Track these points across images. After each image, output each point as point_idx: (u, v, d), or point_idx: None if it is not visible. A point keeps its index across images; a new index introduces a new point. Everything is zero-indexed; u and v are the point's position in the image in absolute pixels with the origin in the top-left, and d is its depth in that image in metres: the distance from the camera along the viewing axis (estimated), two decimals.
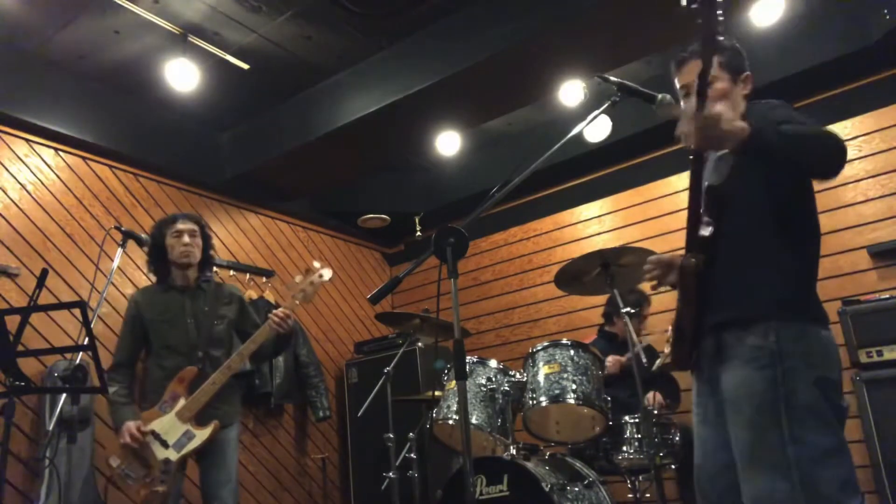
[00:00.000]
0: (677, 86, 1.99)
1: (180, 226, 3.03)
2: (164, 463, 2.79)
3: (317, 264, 3.08)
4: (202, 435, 2.83)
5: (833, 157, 1.64)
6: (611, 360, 3.49)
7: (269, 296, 4.97)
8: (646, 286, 3.64)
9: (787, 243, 1.76)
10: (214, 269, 4.72)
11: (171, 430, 2.83)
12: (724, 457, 1.78)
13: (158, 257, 3.06)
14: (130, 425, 2.80)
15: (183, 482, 2.97)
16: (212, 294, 3.09)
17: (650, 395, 3.41)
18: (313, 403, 4.98)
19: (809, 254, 1.80)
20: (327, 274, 3.04)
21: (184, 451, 2.81)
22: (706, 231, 1.74)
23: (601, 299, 4.19)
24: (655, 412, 3.21)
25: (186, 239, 3.01)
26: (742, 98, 1.95)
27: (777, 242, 1.76)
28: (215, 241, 4.86)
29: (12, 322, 2.25)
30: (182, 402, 2.86)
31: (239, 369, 2.97)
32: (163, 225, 3.07)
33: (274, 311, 2.93)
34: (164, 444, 2.82)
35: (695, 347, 1.86)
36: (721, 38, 1.73)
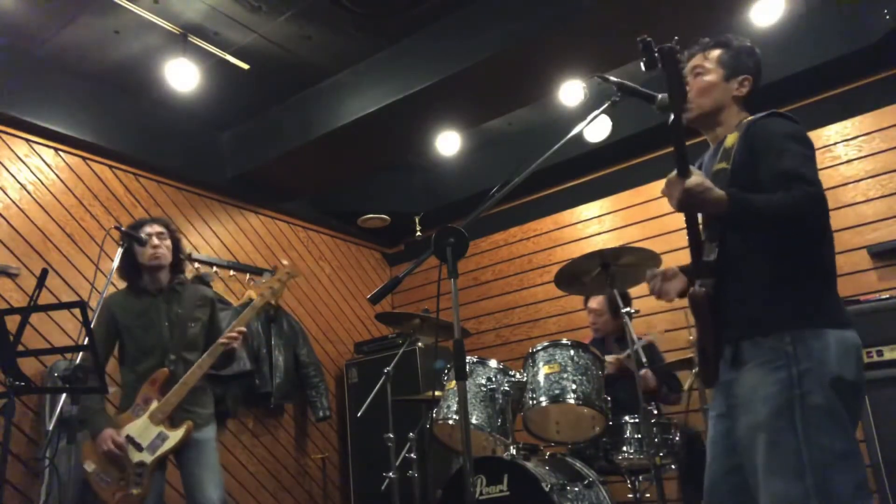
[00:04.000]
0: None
1: (147, 229, 3.02)
2: (138, 466, 2.79)
3: (285, 262, 3.15)
4: (175, 436, 2.83)
5: (802, 221, 1.71)
6: (610, 359, 3.48)
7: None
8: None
9: (795, 251, 1.74)
10: (214, 269, 4.75)
11: (145, 433, 2.83)
12: (730, 460, 1.78)
13: (129, 262, 3.05)
14: (111, 433, 2.79)
15: (164, 485, 2.94)
16: (186, 296, 3.09)
17: (644, 372, 3.35)
18: (313, 403, 4.98)
19: (821, 256, 1.78)
20: (295, 272, 3.12)
21: (158, 453, 2.81)
22: (713, 255, 1.75)
23: None
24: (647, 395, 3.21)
25: (155, 241, 3.01)
26: (732, 99, 1.94)
27: (784, 252, 1.74)
28: (215, 242, 4.90)
29: (12, 322, 2.25)
30: (154, 404, 2.86)
31: (208, 370, 2.98)
32: (130, 230, 3.03)
33: (226, 334, 2.95)
34: (139, 447, 2.81)
35: (717, 364, 1.87)
36: (677, 46, 1.74)
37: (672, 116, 1.66)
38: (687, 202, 1.65)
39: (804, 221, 1.70)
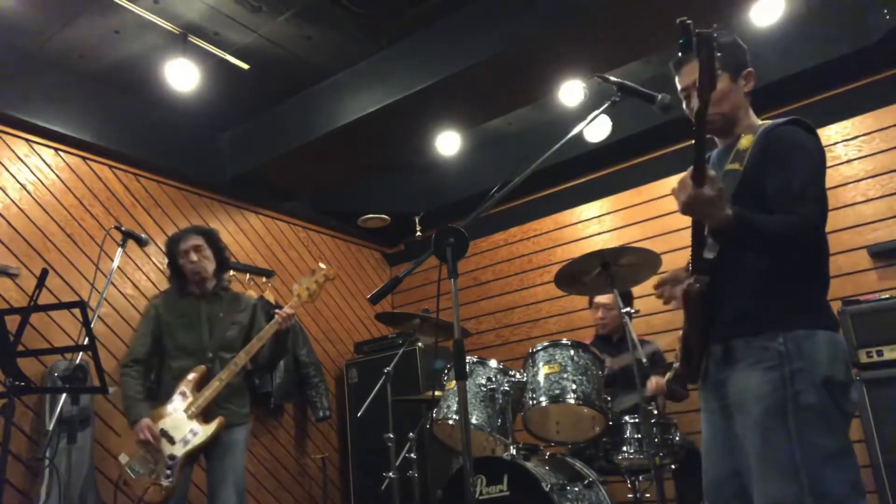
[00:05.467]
0: (679, 87, 1.98)
1: (183, 245, 3.09)
2: (169, 458, 2.85)
3: (322, 266, 3.22)
4: (206, 431, 2.89)
5: (802, 244, 1.74)
6: (653, 385, 3.43)
7: (269, 296, 4.96)
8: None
9: (792, 253, 1.75)
10: None
11: (178, 427, 2.90)
12: (731, 462, 1.77)
13: (176, 272, 3.16)
14: (147, 422, 2.88)
15: (190, 482, 2.99)
16: (228, 301, 3.19)
17: (653, 380, 3.37)
18: (313, 403, 4.98)
19: (818, 259, 1.79)
20: (331, 274, 3.20)
21: (188, 447, 2.87)
22: (711, 253, 1.75)
23: None
24: (653, 400, 3.21)
25: (193, 257, 3.09)
26: (744, 96, 1.93)
27: (783, 254, 1.74)
28: None
29: (12, 322, 2.26)
30: (190, 399, 2.93)
31: (246, 366, 3.06)
32: (171, 245, 3.15)
33: (280, 310, 3.04)
34: (171, 440, 2.88)
35: (702, 361, 1.86)
36: (715, 34, 1.72)
37: (695, 109, 1.62)
38: (692, 210, 1.64)
39: (803, 244, 1.72)
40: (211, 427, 2.89)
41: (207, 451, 2.97)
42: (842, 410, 1.66)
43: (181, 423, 2.89)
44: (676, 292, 1.96)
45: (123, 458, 2.90)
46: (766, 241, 1.70)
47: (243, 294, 3.44)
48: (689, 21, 1.65)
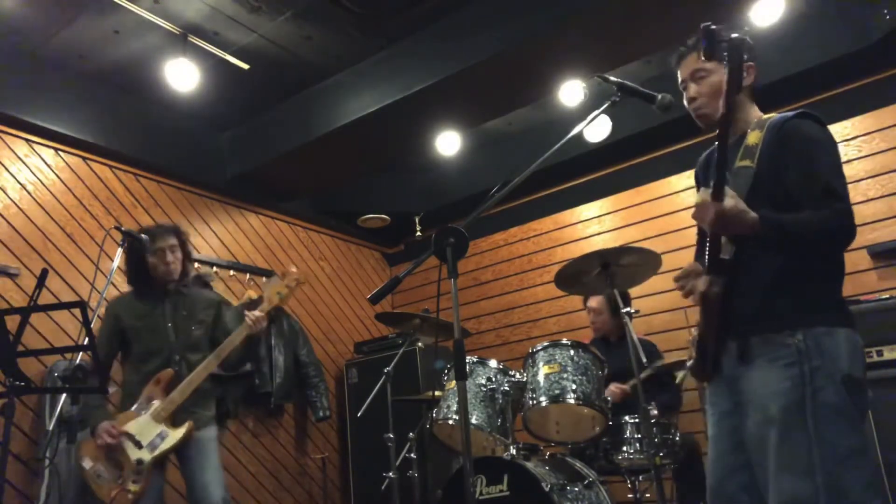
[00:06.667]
0: (679, 79, 1.98)
1: (161, 243, 3.00)
2: (136, 463, 2.78)
3: (293, 269, 3.16)
4: (176, 435, 2.83)
5: (835, 245, 1.73)
6: (613, 389, 3.47)
7: None
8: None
9: (816, 249, 1.73)
10: (214, 269, 4.75)
11: (146, 431, 2.83)
12: (739, 456, 1.76)
13: (137, 268, 3.05)
14: (106, 425, 2.80)
15: (163, 486, 2.94)
16: (190, 299, 3.09)
17: (612, 387, 3.44)
18: (313, 403, 4.98)
19: (835, 255, 1.77)
20: (302, 279, 3.14)
21: (157, 452, 2.81)
22: (728, 253, 1.73)
23: None
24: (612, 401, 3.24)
25: (169, 257, 3.01)
26: (746, 90, 1.91)
27: (800, 251, 1.72)
28: (215, 242, 4.90)
29: (12, 322, 2.25)
30: (157, 403, 2.86)
31: (214, 370, 2.97)
32: (138, 235, 3.03)
33: (250, 312, 2.94)
34: (138, 445, 2.81)
35: (717, 360, 1.84)
36: (716, 28, 1.71)
37: (720, 114, 1.62)
38: (721, 226, 1.64)
39: (834, 240, 1.70)
40: (180, 431, 2.83)
41: (180, 454, 2.90)
42: (859, 409, 1.65)
43: (149, 427, 2.83)
44: (698, 285, 1.95)
45: (87, 464, 2.83)
46: (797, 239, 1.68)
47: (204, 290, 3.36)
48: (713, 27, 1.64)
